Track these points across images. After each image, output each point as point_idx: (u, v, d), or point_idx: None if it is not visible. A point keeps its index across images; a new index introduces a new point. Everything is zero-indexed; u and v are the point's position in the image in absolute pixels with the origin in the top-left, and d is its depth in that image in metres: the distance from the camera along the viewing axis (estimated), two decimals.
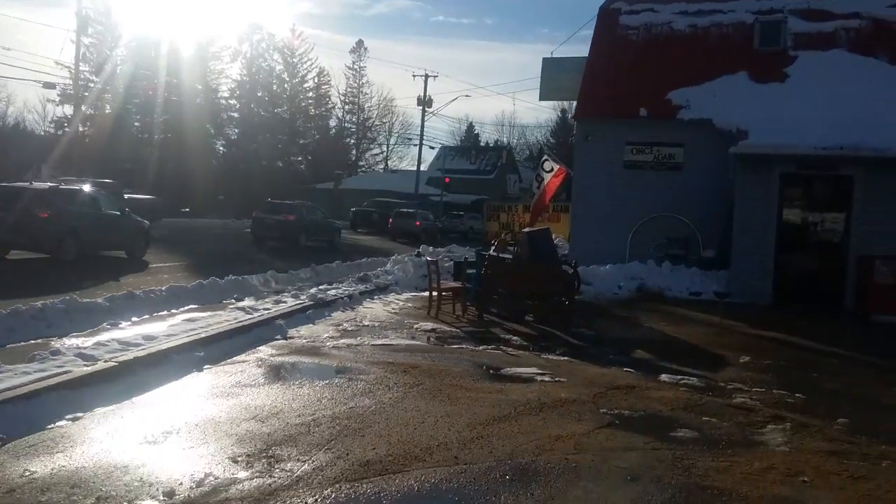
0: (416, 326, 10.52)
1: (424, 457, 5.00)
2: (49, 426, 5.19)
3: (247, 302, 11.45)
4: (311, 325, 10.22)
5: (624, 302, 13.96)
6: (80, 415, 5.47)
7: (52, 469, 4.43)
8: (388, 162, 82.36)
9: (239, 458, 4.76)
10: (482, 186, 65.39)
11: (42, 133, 59.79)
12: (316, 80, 71.73)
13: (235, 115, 65.95)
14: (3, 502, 3.96)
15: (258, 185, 55.31)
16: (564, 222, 22.63)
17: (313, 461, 4.79)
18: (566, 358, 8.79)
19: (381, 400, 6.44)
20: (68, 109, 50.68)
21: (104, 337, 7.88)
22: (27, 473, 4.33)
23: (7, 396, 5.27)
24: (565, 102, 54.33)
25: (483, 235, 29.42)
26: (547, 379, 7.57)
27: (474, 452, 5.14)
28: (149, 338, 7.69)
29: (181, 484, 4.29)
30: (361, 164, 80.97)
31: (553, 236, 25.38)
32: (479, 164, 69.78)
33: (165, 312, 10.32)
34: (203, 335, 8.15)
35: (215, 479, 4.39)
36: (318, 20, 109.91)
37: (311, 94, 72.54)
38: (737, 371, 8.50)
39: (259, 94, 66.83)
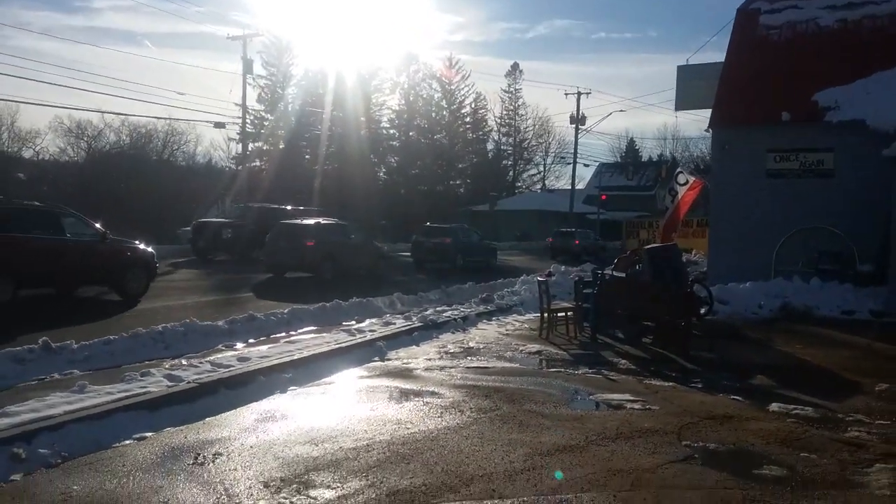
0: (522, 349, 10.24)
1: (460, 488, 4.78)
2: (115, 444, 5.47)
3: (365, 323, 11.66)
4: (413, 346, 10.22)
5: (762, 322, 12.86)
6: (147, 434, 5.73)
7: (92, 489, 4.64)
8: (546, 181, 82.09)
9: (271, 483, 4.78)
10: (641, 203, 63.41)
11: (226, 168, 65.14)
12: (473, 105, 72.96)
13: (395, 143, 68.31)
14: None
15: (418, 210, 56.86)
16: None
17: (343, 488, 4.72)
18: (671, 384, 8.19)
19: (447, 425, 6.27)
20: (248, 146, 54.91)
21: (212, 357, 8.28)
22: (66, 492, 4.56)
23: (81, 416, 5.62)
24: None
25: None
26: (637, 406, 7.07)
27: (517, 486, 4.85)
28: (243, 359, 8.00)
29: None
30: (518, 184, 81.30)
31: (693, 253, 24.21)
32: (637, 181, 67.80)
33: (283, 334, 10.70)
34: (297, 357, 8.36)
35: (233, 503, 4.42)
36: (478, 47, 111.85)
37: (468, 118, 73.76)
38: (866, 400, 7.53)
39: (417, 122, 68.91)
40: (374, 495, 4.62)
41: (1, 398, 6.22)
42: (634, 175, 69.35)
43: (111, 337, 8.79)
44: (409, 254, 29.45)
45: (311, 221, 21.76)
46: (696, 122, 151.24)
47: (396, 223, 55.00)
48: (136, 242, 15.37)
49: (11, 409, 5.61)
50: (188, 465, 5.11)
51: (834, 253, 14.66)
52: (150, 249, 15.44)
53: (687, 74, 18.68)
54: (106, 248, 14.01)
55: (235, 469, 5.03)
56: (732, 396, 7.60)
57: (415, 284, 18.76)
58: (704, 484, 4.99)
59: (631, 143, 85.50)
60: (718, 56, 16.42)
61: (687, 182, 15.75)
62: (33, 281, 13.11)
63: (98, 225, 14.30)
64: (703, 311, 12.79)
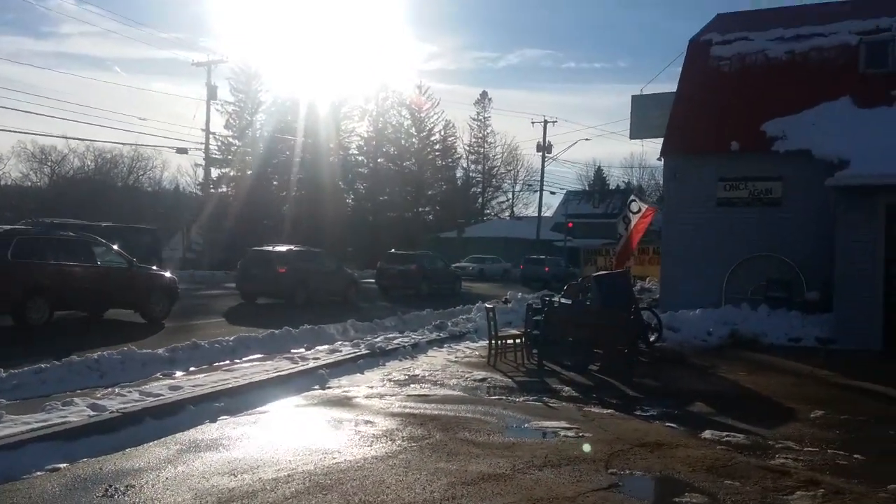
0: (467, 376, 10.18)
1: None
2: (24, 476, 5.30)
3: (312, 351, 11.50)
4: (358, 374, 10.12)
5: (710, 350, 12.95)
6: (61, 465, 5.55)
7: None
8: (514, 209, 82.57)
9: None
10: (608, 230, 63.90)
11: (193, 194, 64.58)
12: (442, 133, 73.28)
13: (364, 170, 68.28)
14: None
15: (386, 236, 56.74)
16: None
17: None
18: (610, 411, 8.19)
19: (375, 454, 6.18)
20: (214, 172, 54.54)
21: (145, 387, 8.10)
22: None
23: None
24: None
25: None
26: (570, 434, 7.05)
27: None
28: (175, 388, 7.84)
29: None
30: (487, 211, 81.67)
31: (648, 280, 24.40)
32: (604, 208, 68.40)
33: (227, 362, 10.51)
34: (232, 385, 8.22)
35: None
36: (450, 75, 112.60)
37: (437, 146, 73.94)
38: (799, 427, 7.58)
39: (386, 149, 69.01)
40: None
41: None
42: (601, 203, 70.01)
43: (42, 365, 8.56)
44: (373, 280, 29.39)
45: (283, 248, 22.27)
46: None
47: (364, 250, 54.86)
48: (160, 269, 17.11)
49: None
50: (97, 497, 4.97)
51: (782, 281, 14.85)
52: (171, 276, 16.68)
53: (641, 103, 18.95)
54: (132, 273, 15.25)
55: (144, 502, 4.89)
56: (668, 424, 7.61)
57: (378, 311, 18.73)
58: None
59: (598, 171, 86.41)
60: (675, 86, 16.73)
61: (640, 210, 15.91)
62: (67, 304, 14.28)
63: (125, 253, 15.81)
64: (652, 338, 12.91)
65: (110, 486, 5.18)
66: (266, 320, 15.44)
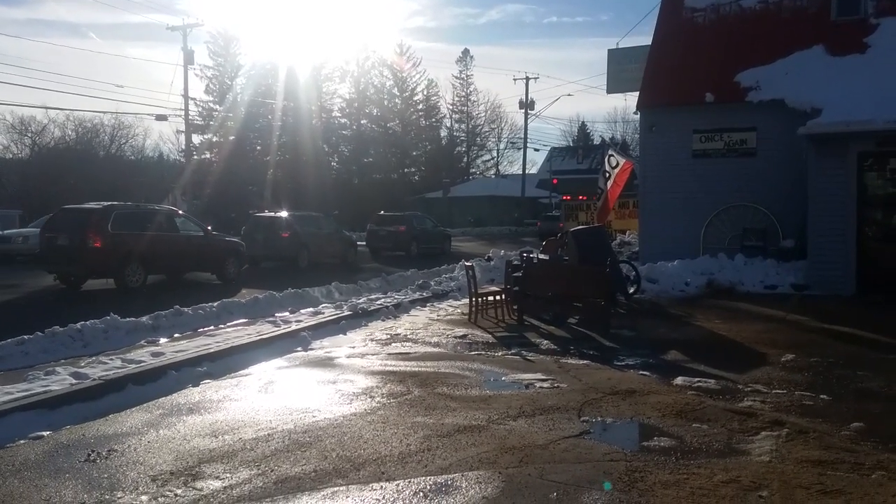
0: (448, 333, 10.34)
1: (350, 472, 4.85)
2: (8, 444, 5.41)
3: (295, 314, 11.62)
4: (340, 335, 10.24)
5: (688, 300, 13.17)
6: (44, 433, 5.67)
7: None
8: (499, 167, 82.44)
9: (159, 477, 4.78)
10: (593, 186, 63.97)
11: (177, 161, 63.94)
12: (425, 93, 72.70)
13: (347, 132, 67.83)
14: None
15: (372, 198, 56.59)
16: None
17: (232, 479, 4.74)
18: (585, 362, 8.37)
19: (354, 411, 6.33)
20: (196, 138, 54.10)
21: (128, 355, 8.20)
22: None
23: None
24: None
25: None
26: (545, 386, 7.22)
27: (408, 468, 4.93)
28: (157, 354, 7.96)
29: (82, 503, 4.36)
30: (473, 170, 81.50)
31: (628, 233, 24.61)
32: (588, 164, 68.36)
33: (211, 328, 10.60)
34: (214, 349, 8.34)
35: (118, 499, 4.43)
36: (431, 33, 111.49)
37: (420, 106, 73.43)
38: (768, 371, 7.80)
39: (368, 111, 68.53)
40: (261, 484, 4.66)
41: None
42: (585, 158, 69.95)
43: (25, 337, 8.62)
44: (363, 243, 29.47)
45: (284, 214, 23.32)
46: None
47: (350, 213, 54.79)
48: (230, 236, 19.16)
49: None
50: (79, 462, 5.09)
51: (758, 230, 15.05)
52: (240, 241, 19.07)
53: (617, 57, 18.91)
54: (208, 240, 17.30)
55: (126, 465, 5.02)
56: (641, 372, 7.81)
57: (369, 273, 18.88)
58: (592, 457, 5.14)
59: (582, 126, 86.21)
60: (649, 40, 16.70)
61: (618, 164, 16.01)
62: (157, 269, 16.27)
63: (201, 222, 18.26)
64: (630, 290, 13.11)
65: (93, 451, 5.31)
66: (270, 281, 16.48)
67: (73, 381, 6.62)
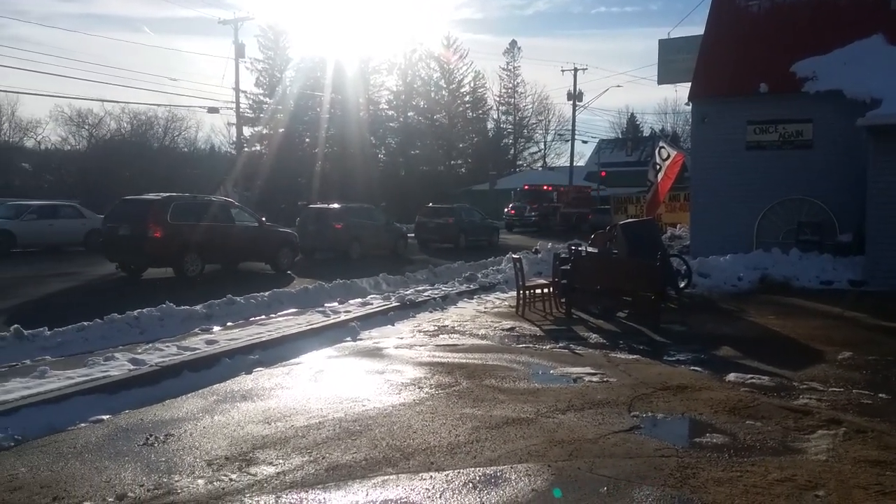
0: (496, 326, 10.34)
1: (399, 462, 4.90)
2: (69, 427, 5.59)
3: (344, 305, 11.74)
4: (388, 326, 10.33)
5: (740, 295, 12.92)
6: (104, 417, 5.84)
7: (39, 469, 4.77)
8: (546, 159, 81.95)
9: (214, 462, 4.89)
10: (642, 178, 63.11)
11: (228, 153, 65.06)
12: (472, 85, 72.60)
13: (394, 124, 68.14)
14: None
15: (418, 191, 56.78)
16: None
17: (285, 465, 4.83)
18: (635, 357, 8.29)
19: (403, 401, 6.38)
20: (247, 131, 55.05)
21: (184, 342, 8.39)
22: (13, 473, 4.70)
23: (37, 400, 5.76)
24: None
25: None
26: (595, 380, 7.17)
27: (457, 458, 4.96)
28: (211, 342, 8.12)
29: (141, 486, 4.48)
30: (520, 162, 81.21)
31: (679, 227, 24.21)
32: (637, 156, 67.53)
33: (263, 317, 10.77)
34: (266, 338, 8.48)
35: (176, 482, 4.54)
36: (478, 25, 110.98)
37: (467, 98, 73.36)
38: (825, 368, 7.62)
39: (415, 103, 68.69)
40: (312, 470, 4.74)
41: None
42: (634, 150, 69.14)
43: (85, 323, 8.89)
44: (412, 235, 29.63)
45: (338, 206, 23.68)
46: None
47: (397, 204, 55.05)
48: (283, 227, 19.39)
49: None
50: (138, 446, 5.23)
51: (814, 223, 14.68)
52: (293, 232, 19.22)
53: (668, 48, 18.60)
54: (262, 231, 17.59)
55: (182, 449, 5.15)
56: (693, 367, 7.70)
57: (417, 265, 19.03)
58: (643, 452, 5.09)
59: (631, 118, 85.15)
60: (701, 29, 16.32)
61: (669, 156, 15.76)
62: (214, 258, 16.65)
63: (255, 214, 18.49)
64: (681, 284, 12.92)
65: (150, 434, 5.45)
66: (321, 272, 16.72)
67: (132, 367, 6.81)
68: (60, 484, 4.51)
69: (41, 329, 8.54)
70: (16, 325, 8.30)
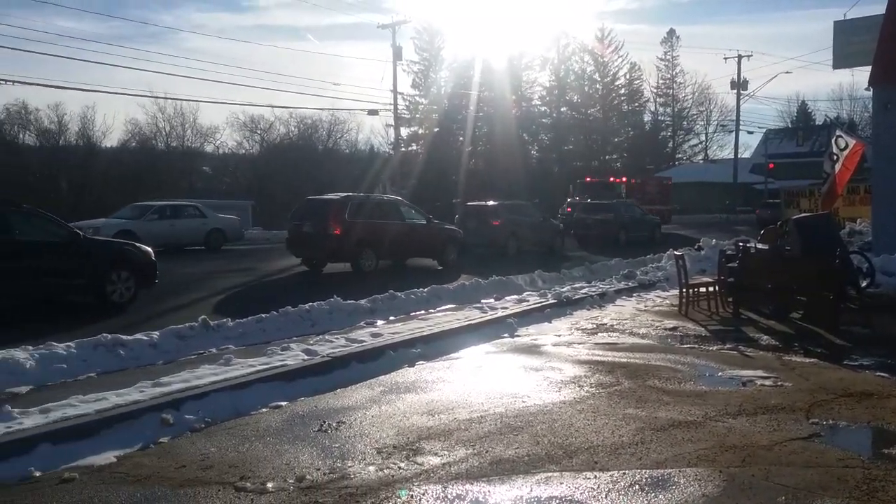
0: (657, 325, 10.06)
1: (562, 459, 4.88)
2: (252, 412, 6.01)
3: (501, 301, 11.82)
4: (545, 323, 10.31)
5: None
6: (282, 403, 6.23)
7: (226, 450, 5.17)
8: (708, 151, 78.54)
9: (384, 450, 5.09)
10: (814, 170, 58.95)
11: (385, 154, 67.49)
12: (627, 77, 70.75)
13: (547, 120, 67.68)
14: (173, 475, 4.73)
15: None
16: None
17: (450, 456, 4.95)
18: (812, 360, 7.80)
19: (563, 399, 6.35)
20: (403, 131, 56.83)
21: (351, 334, 8.77)
22: (204, 452, 5.12)
23: (224, 386, 6.22)
24: None
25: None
26: (767, 383, 6.81)
27: (621, 459, 4.88)
28: (376, 335, 8.45)
29: (318, 470, 4.74)
30: (679, 155, 78.33)
31: (859, 221, 22.38)
32: (809, 146, 63.15)
33: (422, 312, 11.08)
34: (427, 332, 8.72)
35: (349, 467, 4.77)
36: (633, 15, 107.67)
37: (622, 90, 71.56)
38: None
39: (568, 98, 67.84)
40: (476, 463, 4.82)
41: (161, 370, 6.98)
42: (806, 141, 64.70)
43: (262, 315, 9.50)
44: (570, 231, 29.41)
45: (495, 203, 24.00)
46: None
47: (551, 201, 54.66)
48: (449, 225, 19.99)
49: (164, 379, 6.31)
50: (313, 431, 5.54)
51: None
52: (458, 229, 19.85)
53: (845, 29, 17.20)
54: (430, 228, 18.29)
55: (353, 436, 5.40)
56: (878, 373, 7.15)
57: (575, 261, 19.01)
58: (823, 462, 4.78)
59: (802, 105, 79.69)
60: (880, 8, 14.96)
61: (847, 146, 14.64)
62: (386, 254, 17.24)
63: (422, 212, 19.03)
64: (863, 284, 11.94)
65: (324, 422, 5.75)
66: (482, 268, 16.53)
67: (305, 357, 7.21)
68: (246, 464, 4.86)
69: (225, 320, 9.23)
70: (203, 317, 9.00)
